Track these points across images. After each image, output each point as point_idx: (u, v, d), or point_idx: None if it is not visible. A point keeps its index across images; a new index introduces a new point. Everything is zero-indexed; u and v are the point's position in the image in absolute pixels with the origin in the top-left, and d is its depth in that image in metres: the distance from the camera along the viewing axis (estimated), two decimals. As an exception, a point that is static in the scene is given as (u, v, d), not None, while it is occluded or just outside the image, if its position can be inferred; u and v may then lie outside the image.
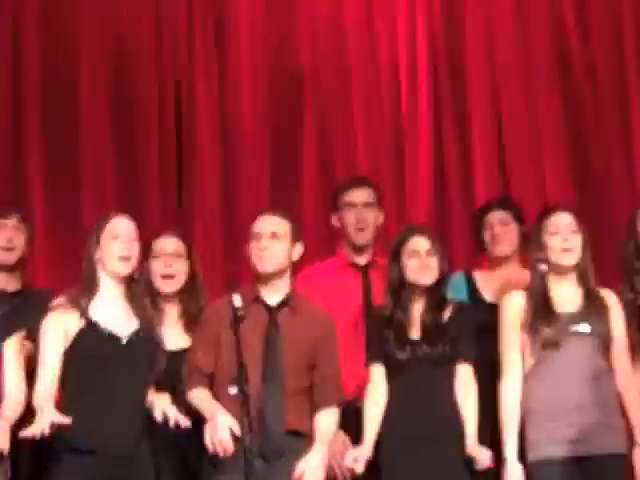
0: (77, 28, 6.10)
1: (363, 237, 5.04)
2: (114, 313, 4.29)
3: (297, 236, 4.46)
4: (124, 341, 4.24)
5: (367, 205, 5.05)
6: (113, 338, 4.22)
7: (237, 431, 3.97)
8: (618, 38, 6.22)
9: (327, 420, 4.34)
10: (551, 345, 4.37)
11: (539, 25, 6.23)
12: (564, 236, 4.45)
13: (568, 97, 6.19)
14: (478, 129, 6.16)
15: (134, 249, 4.30)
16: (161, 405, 4.16)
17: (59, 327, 4.18)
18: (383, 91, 6.21)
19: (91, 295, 4.25)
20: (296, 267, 4.57)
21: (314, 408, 4.32)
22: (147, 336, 4.31)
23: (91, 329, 4.19)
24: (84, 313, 4.18)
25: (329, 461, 4.46)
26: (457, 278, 4.99)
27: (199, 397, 4.27)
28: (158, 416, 4.13)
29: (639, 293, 4.67)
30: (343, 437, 4.60)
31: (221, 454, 4.03)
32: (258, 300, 4.34)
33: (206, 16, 6.21)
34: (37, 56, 5.99)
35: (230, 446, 4.00)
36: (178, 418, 4.11)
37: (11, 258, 4.78)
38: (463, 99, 6.19)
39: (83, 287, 4.26)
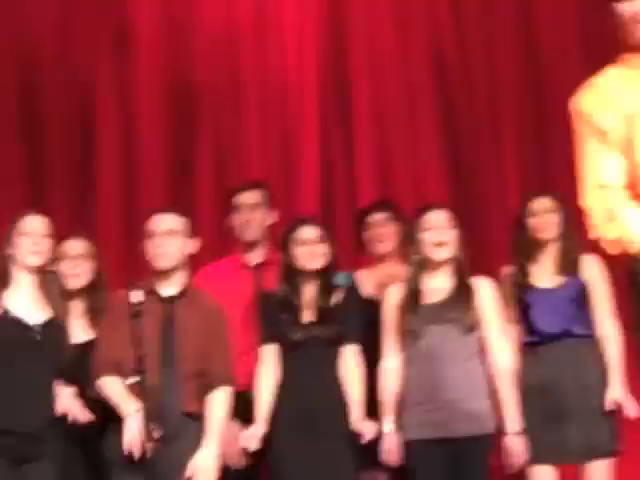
0: None
1: (250, 234, 5.16)
2: (26, 304, 4.39)
3: (190, 232, 4.57)
4: (34, 329, 4.33)
5: (253, 206, 5.18)
6: (23, 326, 4.32)
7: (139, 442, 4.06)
8: (489, 49, 6.38)
9: (219, 403, 4.42)
10: (412, 335, 4.54)
11: (418, 40, 6.37)
12: (437, 231, 4.60)
13: (443, 102, 6.35)
14: (361, 137, 6.28)
15: (44, 244, 4.41)
16: (62, 399, 4.28)
17: None
18: (273, 104, 6.33)
19: (4, 287, 4.36)
20: (193, 264, 4.67)
21: (207, 390, 4.40)
22: (57, 325, 4.40)
23: (3, 317, 4.30)
24: None
25: (225, 450, 4.52)
26: (339, 278, 5.03)
27: (110, 387, 4.34)
28: (59, 409, 4.24)
29: (527, 276, 4.82)
30: (237, 427, 4.67)
31: (135, 455, 4.11)
32: (154, 293, 4.44)
33: (108, 34, 6.30)
34: None
35: (139, 449, 4.09)
36: (76, 413, 4.25)
37: None
38: (346, 109, 6.32)
39: None
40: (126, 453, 4.11)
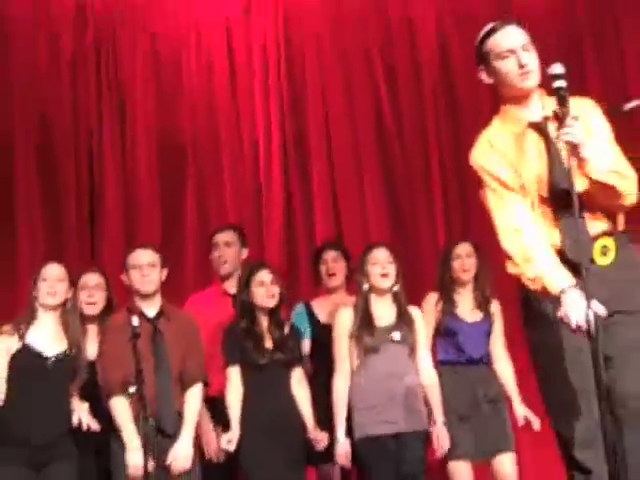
0: (11, 105, 6.60)
1: (224, 269, 5.48)
2: (46, 337, 4.68)
3: (163, 263, 4.89)
4: (49, 360, 4.62)
5: (227, 244, 5.49)
6: (39, 357, 4.62)
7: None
8: (419, 113, 6.91)
9: (193, 400, 4.72)
10: (371, 350, 4.84)
11: (362, 108, 6.90)
12: (382, 265, 4.92)
13: (383, 159, 6.86)
14: (317, 188, 6.76)
15: (59, 286, 4.73)
16: (78, 412, 4.60)
17: (3, 346, 4.62)
18: (246, 161, 6.78)
19: (29, 323, 4.69)
20: (180, 292, 5.23)
21: (184, 387, 4.71)
22: (72, 354, 4.67)
23: (24, 349, 4.62)
24: (21, 337, 4.63)
25: (205, 446, 4.92)
26: (298, 307, 5.42)
27: (118, 410, 4.59)
28: (75, 421, 4.57)
29: (453, 306, 5.17)
30: (212, 428, 5.02)
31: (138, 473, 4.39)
32: (141, 313, 4.69)
33: (112, 100, 6.73)
34: None
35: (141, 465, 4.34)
36: (90, 423, 4.56)
37: None
38: (306, 165, 6.80)
39: (25, 317, 4.71)
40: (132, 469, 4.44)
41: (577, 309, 3.18)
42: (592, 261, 3.37)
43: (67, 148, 6.63)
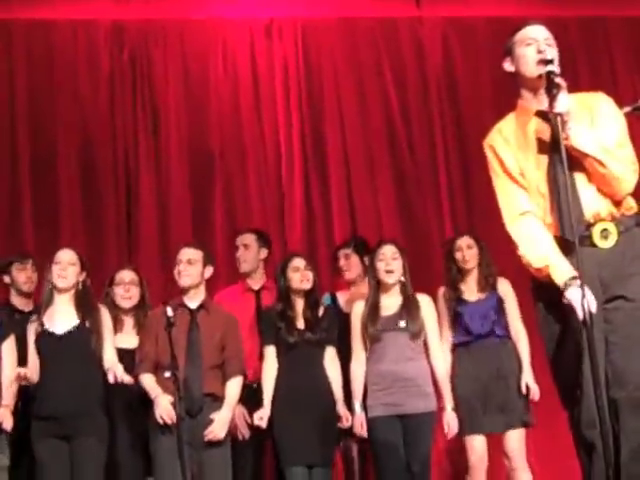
0: (55, 124, 6.69)
1: (244, 267, 5.63)
2: (60, 317, 4.79)
3: (207, 261, 4.98)
4: (60, 336, 4.74)
5: (245, 246, 5.64)
6: (52, 335, 4.75)
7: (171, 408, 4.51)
8: (427, 119, 7.05)
9: (233, 387, 4.84)
10: (374, 338, 4.95)
11: (375, 115, 7.01)
12: (387, 261, 5.00)
13: (394, 162, 6.96)
14: (334, 191, 6.84)
15: (70, 270, 4.83)
16: (112, 369, 4.66)
17: (32, 333, 4.80)
18: (269, 168, 6.85)
19: (47, 306, 4.81)
20: (211, 284, 5.14)
21: (225, 378, 4.83)
22: (85, 328, 4.76)
23: (42, 332, 4.78)
24: (39, 321, 4.79)
25: (234, 423, 4.95)
26: (325, 297, 5.48)
27: (147, 381, 4.76)
28: (110, 378, 4.63)
29: (458, 293, 5.25)
30: (242, 410, 5.12)
31: (168, 422, 4.55)
32: (183, 306, 4.88)
33: (146, 115, 6.77)
34: (27, 145, 6.61)
35: (172, 415, 4.52)
36: (123, 376, 4.62)
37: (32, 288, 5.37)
38: (324, 170, 6.89)
39: (44, 301, 4.84)
40: (161, 422, 4.59)
41: (582, 303, 3.15)
42: (593, 244, 3.35)
43: (106, 159, 6.73)
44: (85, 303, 4.86)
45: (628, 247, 3.39)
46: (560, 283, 3.28)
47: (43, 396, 4.68)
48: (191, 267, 4.92)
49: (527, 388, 5.07)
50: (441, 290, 5.36)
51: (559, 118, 3.27)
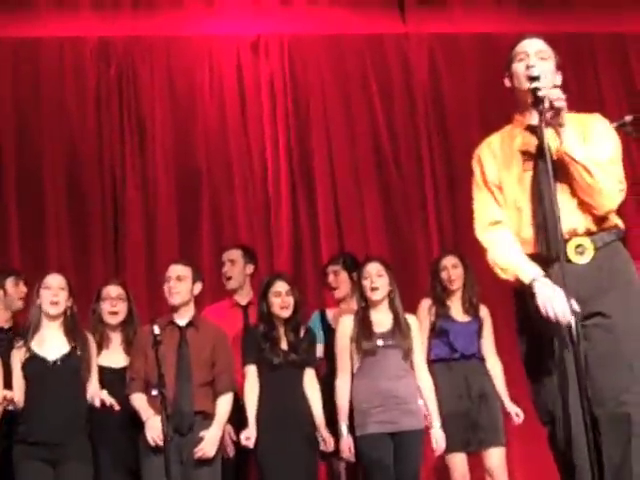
0: (42, 140, 6.67)
1: (229, 284, 5.63)
2: (50, 342, 4.73)
3: (196, 277, 4.95)
4: (52, 362, 4.67)
5: (231, 262, 5.63)
6: (44, 361, 4.69)
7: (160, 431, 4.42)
8: (415, 139, 7.09)
9: (223, 404, 4.81)
10: (369, 353, 4.88)
11: (361, 132, 7.04)
12: (372, 279, 4.98)
13: (380, 180, 6.98)
14: (321, 206, 6.85)
15: (61, 295, 4.77)
16: (99, 395, 4.63)
17: (17, 358, 4.70)
18: (256, 183, 6.85)
19: (35, 332, 4.74)
20: (198, 300, 5.07)
21: (215, 394, 4.80)
22: (76, 356, 4.71)
23: (31, 357, 4.70)
24: (27, 347, 4.71)
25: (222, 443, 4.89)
26: (314, 315, 5.52)
27: (137, 402, 4.73)
28: (97, 402, 4.60)
29: (445, 309, 5.28)
30: (229, 427, 5.04)
31: (160, 444, 4.48)
32: (172, 323, 4.87)
33: (133, 129, 6.76)
34: (13, 161, 6.61)
35: (161, 439, 4.44)
36: (112, 402, 4.59)
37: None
38: (311, 186, 6.89)
39: (29, 327, 4.76)
40: (152, 444, 4.54)
41: (554, 300, 3.19)
42: (568, 260, 3.29)
43: (93, 175, 6.72)
44: (74, 330, 4.81)
45: (605, 262, 3.36)
46: (528, 280, 3.29)
47: (31, 421, 4.62)
48: (180, 284, 4.90)
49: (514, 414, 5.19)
50: (425, 302, 5.37)
51: (554, 122, 3.28)
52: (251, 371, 4.99)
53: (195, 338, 4.87)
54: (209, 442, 4.71)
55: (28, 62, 6.84)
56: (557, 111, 3.26)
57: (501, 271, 3.41)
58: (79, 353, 4.75)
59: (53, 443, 4.57)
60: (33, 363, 4.70)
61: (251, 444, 4.85)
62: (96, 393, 4.69)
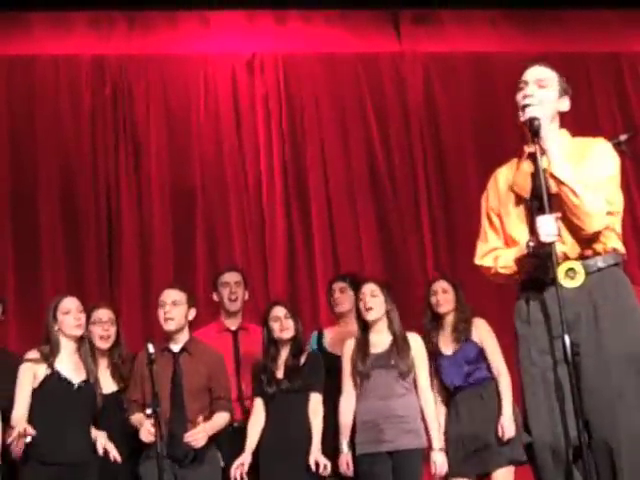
0: (37, 158, 6.63)
1: (235, 305, 5.49)
2: (70, 366, 4.69)
3: (191, 302, 4.88)
4: (76, 386, 4.65)
5: (238, 283, 5.52)
6: (68, 383, 4.65)
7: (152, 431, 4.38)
8: (410, 158, 7.06)
9: (219, 418, 4.77)
10: (363, 376, 4.90)
11: (357, 148, 7.03)
12: (366, 299, 4.97)
13: (376, 200, 6.95)
14: (316, 226, 6.81)
15: (82, 318, 4.77)
16: (101, 441, 4.63)
17: (30, 372, 4.62)
18: (251, 203, 6.82)
19: (56, 353, 4.68)
20: (191, 323, 4.95)
21: (212, 412, 4.75)
22: (91, 383, 4.72)
23: (54, 376, 4.64)
24: (50, 365, 4.62)
25: None
26: (312, 336, 5.48)
27: (136, 420, 4.70)
28: (100, 450, 4.60)
29: (434, 345, 5.14)
30: (218, 455, 4.89)
31: (151, 439, 4.43)
32: (167, 349, 4.80)
33: (126, 151, 6.74)
34: (7, 178, 6.57)
35: (153, 434, 4.39)
36: (115, 454, 4.60)
37: None
38: (306, 205, 6.85)
39: (50, 348, 4.67)
40: (146, 440, 4.50)
41: (542, 223, 3.23)
42: (559, 284, 3.25)
43: (87, 193, 6.65)
44: (88, 357, 4.78)
45: (596, 287, 3.33)
46: (523, 244, 3.33)
47: (50, 441, 4.53)
48: (176, 309, 4.83)
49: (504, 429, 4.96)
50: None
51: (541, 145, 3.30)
52: (257, 404, 5.00)
53: (188, 365, 4.81)
54: (198, 436, 4.64)
55: (23, 80, 6.81)
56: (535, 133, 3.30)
57: (503, 269, 3.46)
58: (92, 380, 4.74)
59: (67, 464, 4.53)
60: (56, 382, 4.65)
61: (245, 469, 4.82)
62: (98, 438, 4.67)
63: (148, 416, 4.48)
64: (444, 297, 5.26)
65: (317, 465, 4.84)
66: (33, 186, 6.59)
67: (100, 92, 6.85)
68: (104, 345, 4.95)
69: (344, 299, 5.50)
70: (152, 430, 4.42)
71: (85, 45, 6.89)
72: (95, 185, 6.69)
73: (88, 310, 5.01)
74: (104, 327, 4.96)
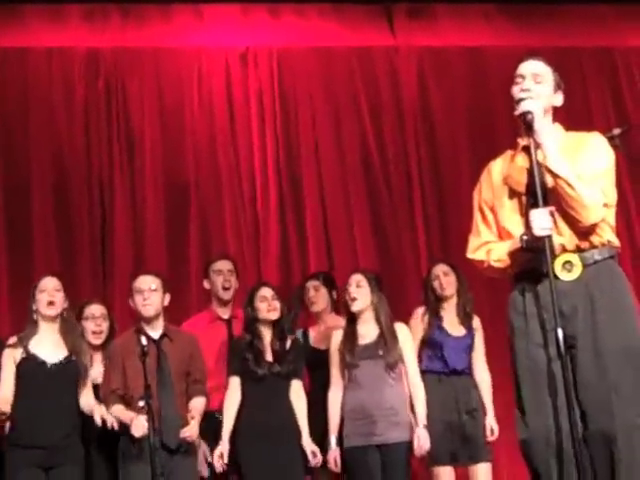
0: (29, 152, 6.60)
1: (228, 294, 5.43)
2: (48, 345, 4.69)
3: (166, 288, 4.87)
4: (49, 365, 4.63)
5: (230, 271, 5.49)
6: (43, 363, 4.65)
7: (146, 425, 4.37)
8: (402, 150, 7.05)
9: (198, 403, 4.73)
10: (352, 367, 4.90)
11: (350, 142, 7.02)
12: (350, 289, 4.97)
13: (370, 194, 6.94)
14: (310, 222, 6.81)
15: (57, 296, 4.74)
16: (100, 412, 4.60)
17: (10, 357, 4.66)
18: (245, 198, 6.78)
19: (32, 334, 4.70)
20: (184, 314, 5.23)
21: (189, 397, 4.75)
22: (73, 360, 4.68)
23: (28, 358, 4.65)
24: (25, 348, 4.65)
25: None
26: (297, 333, 5.35)
27: (118, 410, 4.64)
28: (98, 420, 4.55)
29: (439, 319, 5.22)
30: (205, 447, 4.98)
31: (144, 433, 4.40)
32: (147, 336, 4.69)
33: (120, 144, 6.70)
34: (0, 173, 6.53)
35: (146, 428, 4.38)
36: (113, 422, 4.56)
37: None
38: (300, 201, 6.84)
39: (27, 329, 4.73)
40: (138, 435, 4.45)
41: (535, 216, 3.23)
42: (555, 276, 3.26)
43: (80, 187, 6.62)
44: (72, 334, 4.77)
45: (592, 280, 3.33)
46: (517, 238, 3.33)
47: (28, 425, 4.55)
48: (154, 295, 4.82)
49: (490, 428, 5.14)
50: (418, 312, 5.32)
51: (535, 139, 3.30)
52: (234, 383, 4.93)
53: (171, 350, 4.80)
54: (190, 432, 4.63)
55: (16, 72, 6.76)
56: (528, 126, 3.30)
57: (496, 262, 3.45)
58: (74, 358, 4.70)
59: (50, 447, 4.51)
60: (31, 365, 4.65)
61: (224, 460, 4.80)
62: (96, 408, 4.62)
63: (141, 409, 4.45)
64: (446, 280, 5.30)
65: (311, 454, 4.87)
66: (26, 179, 6.56)
67: (93, 85, 6.81)
68: (96, 341, 4.95)
69: (318, 297, 5.47)
70: (146, 424, 4.40)
71: (79, 37, 6.84)
72: (88, 178, 6.64)
73: (80, 305, 5.06)
74: (96, 322, 4.97)
